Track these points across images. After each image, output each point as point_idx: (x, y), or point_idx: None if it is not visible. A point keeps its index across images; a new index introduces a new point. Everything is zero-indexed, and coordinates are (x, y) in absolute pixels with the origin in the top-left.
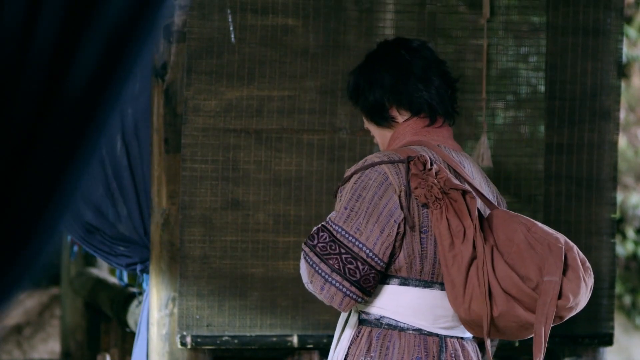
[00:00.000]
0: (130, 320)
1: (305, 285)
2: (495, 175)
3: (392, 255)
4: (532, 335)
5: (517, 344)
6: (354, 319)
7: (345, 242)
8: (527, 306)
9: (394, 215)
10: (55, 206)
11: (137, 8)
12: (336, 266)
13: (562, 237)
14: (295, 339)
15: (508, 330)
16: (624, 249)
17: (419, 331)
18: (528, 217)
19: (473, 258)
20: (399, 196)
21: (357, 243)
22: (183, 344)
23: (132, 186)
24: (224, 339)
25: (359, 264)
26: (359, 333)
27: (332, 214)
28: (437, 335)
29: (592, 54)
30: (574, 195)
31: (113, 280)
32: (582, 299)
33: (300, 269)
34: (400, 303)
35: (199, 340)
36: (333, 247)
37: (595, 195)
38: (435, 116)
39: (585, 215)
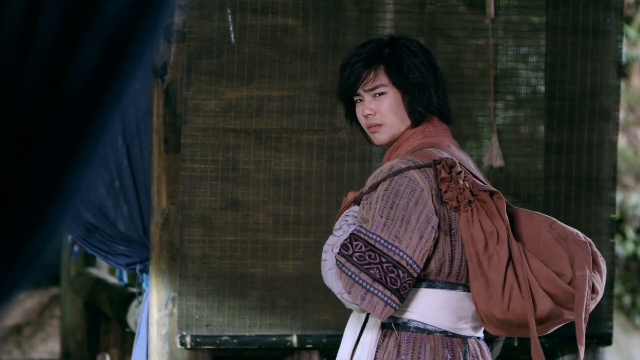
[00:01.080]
0: (130, 320)
1: (339, 296)
2: (495, 175)
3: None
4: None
5: (516, 344)
6: (377, 321)
7: (385, 250)
8: (560, 302)
9: (432, 221)
10: (55, 206)
11: (137, 8)
12: (377, 275)
13: (581, 233)
14: (294, 339)
15: (547, 327)
16: (623, 249)
17: (445, 333)
18: (544, 214)
19: (509, 258)
20: (432, 201)
21: (397, 251)
22: (183, 343)
23: (132, 186)
24: (223, 338)
25: (400, 272)
26: (384, 337)
27: (356, 224)
28: (460, 336)
29: (591, 54)
30: (573, 195)
31: (113, 280)
32: (603, 290)
33: (326, 280)
34: (428, 306)
35: (198, 340)
36: (372, 257)
37: (594, 195)
38: (440, 117)
39: (585, 215)
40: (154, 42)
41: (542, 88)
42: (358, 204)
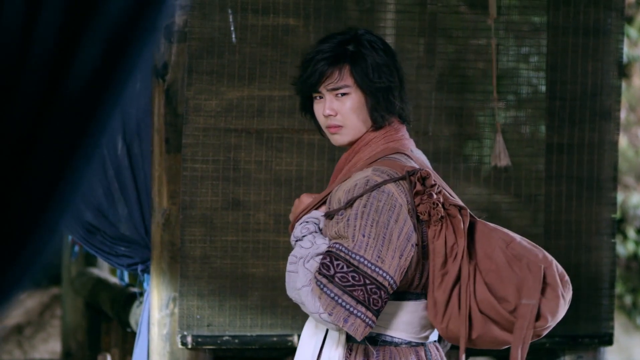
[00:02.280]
0: (131, 320)
1: (314, 315)
2: (496, 175)
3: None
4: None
5: None
6: (341, 336)
7: (369, 272)
8: (504, 327)
9: (411, 239)
10: (56, 206)
11: (137, 8)
12: (361, 298)
13: (540, 253)
14: (295, 339)
15: (484, 347)
16: (624, 249)
17: (409, 344)
18: (506, 231)
19: (458, 278)
20: (410, 216)
21: (381, 272)
22: (184, 343)
23: (133, 186)
24: (224, 338)
25: (382, 292)
26: (350, 351)
27: (318, 231)
28: (423, 344)
29: (592, 54)
30: (574, 195)
31: (114, 280)
32: (560, 315)
33: (297, 296)
34: (396, 319)
35: (199, 340)
36: (356, 278)
37: (595, 195)
38: (400, 117)
39: (586, 215)
40: (154, 42)
41: (543, 88)
42: (330, 218)
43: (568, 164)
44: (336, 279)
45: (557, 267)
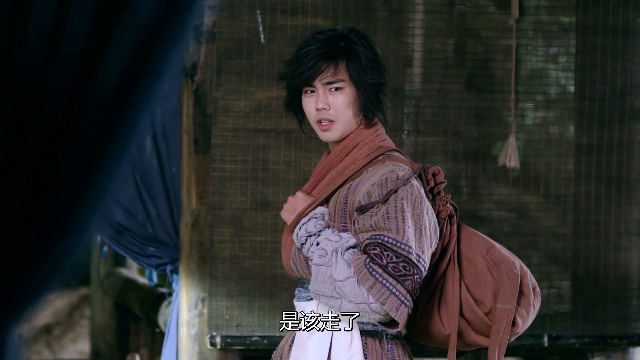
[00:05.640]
0: (160, 321)
1: (363, 306)
2: (525, 175)
3: None
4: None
5: (546, 345)
6: (354, 333)
7: (415, 261)
8: (476, 328)
9: (437, 231)
10: (85, 206)
11: (166, 9)
12: (410, 287)
13: (517, 262)
14: None
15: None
16: None
17: (404, 337)
18: (485, 237)
19: (441, 276)
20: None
21: (423, 263)
22: (212, 344)
23: (161, 187)
24: (253, 339)
25: (421, 282)
26: (366, 345)
27: (373, 232)
28: (402, 336)
29: (621, 54)
30: (603, 196)
31: (143, 280)
32: (529, 323)
33: (342, 287)
34: None
35: (228, 340)
36: (407, 268)
37: (624, 196)
38: (383, 117)
39: (615, 216)
40: (183, 43)
41: (572, 88)
42: (363, 212)
43: (597, 164)
44: (389, 269)
45: (531, 278)
